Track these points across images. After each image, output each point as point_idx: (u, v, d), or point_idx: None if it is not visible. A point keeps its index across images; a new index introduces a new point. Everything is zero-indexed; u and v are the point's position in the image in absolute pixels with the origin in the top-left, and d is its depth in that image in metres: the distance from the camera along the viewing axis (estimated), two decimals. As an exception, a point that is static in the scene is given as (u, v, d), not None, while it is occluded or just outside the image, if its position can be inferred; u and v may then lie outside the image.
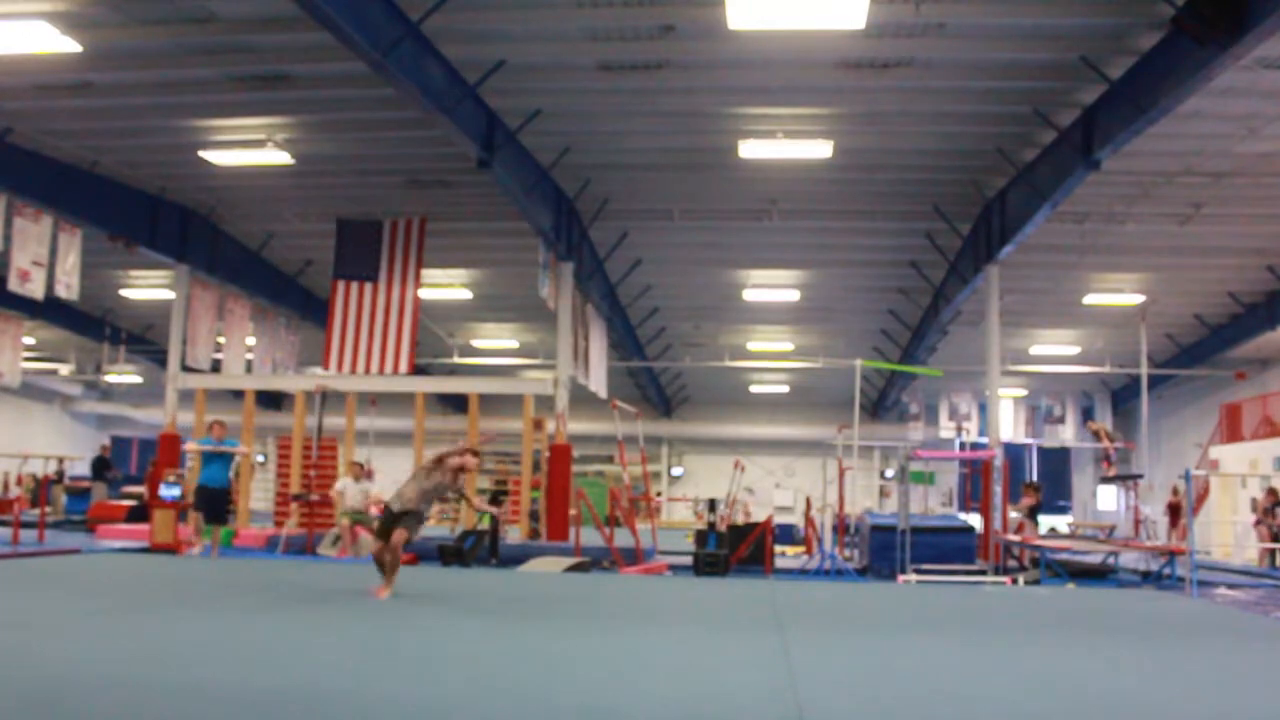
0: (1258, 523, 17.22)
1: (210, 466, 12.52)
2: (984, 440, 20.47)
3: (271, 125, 14.38)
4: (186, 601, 8.27)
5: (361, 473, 14.71)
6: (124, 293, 23.11)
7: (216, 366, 19.80)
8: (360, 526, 13.82)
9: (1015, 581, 13.08)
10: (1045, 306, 21.66)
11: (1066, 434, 27.89)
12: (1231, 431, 22.40)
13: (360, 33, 9.74)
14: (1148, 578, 14.12)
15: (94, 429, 35.34)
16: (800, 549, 19.16)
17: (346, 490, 14.24)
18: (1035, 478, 26.10)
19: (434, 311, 22.87)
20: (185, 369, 18.44)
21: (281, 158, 14.96)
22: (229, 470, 12.91)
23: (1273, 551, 16.68)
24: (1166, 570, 13.81)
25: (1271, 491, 16.97)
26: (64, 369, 29.98)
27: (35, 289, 14.95)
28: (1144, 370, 17.31)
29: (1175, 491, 20.58)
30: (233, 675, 5.05)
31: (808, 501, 17.67)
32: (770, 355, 26.86)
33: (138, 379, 31.15)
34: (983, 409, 23.29)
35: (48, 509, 17.72)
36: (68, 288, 15.49)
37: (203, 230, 18.26)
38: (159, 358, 24.67)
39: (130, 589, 9.05)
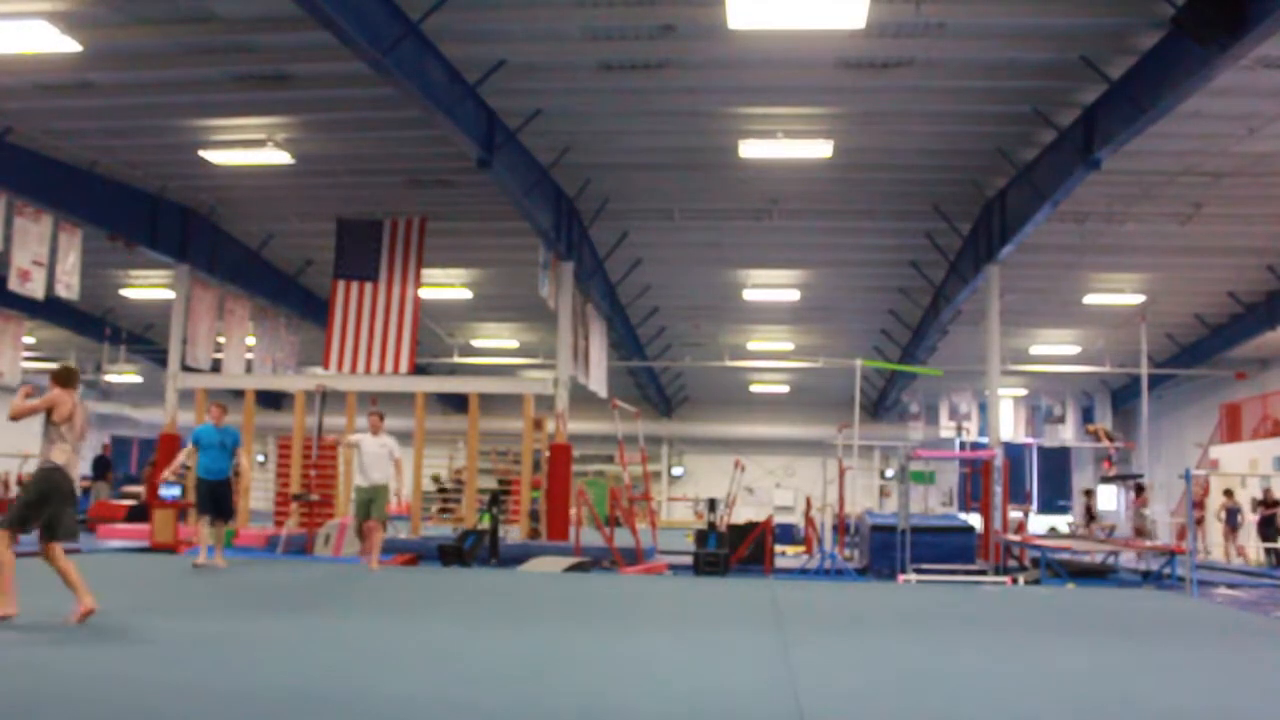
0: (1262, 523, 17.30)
1: (207, 454, 11.04)
2: (984, 440, 20.47)
3: (271, 125, 14.38)
4: (186, 601, 8.27)
5: (381, 425, 11.85)
6: (124, 292, 23.11)
7: (216, 366, 19.79)
8: (372, 522, 11.61)
9: (1015, 581, 13.09)
10: (1045, 306, 21.65)
11: (1066, 434, 27.87)
12: (1231, 431, 22.43)
13: (360, 33, 9.74)
14: (1148, 578, 14.14)
15: (94, 429, 35.36)
16: (800, 549, 19.17)
17: (364, 446, 11.65)
18: (1036, 478, 26.10)
19: (434, 311, 22.87)
20: (185, 369, 18.43)
21: (281, 158, 14.96)
22: (229, 459, 11.17)
23: (1269, 551, 16.70)
24: (1166, 570, 13.82)
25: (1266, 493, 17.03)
26: (64, 369, 29.92)
27: (35, 289, 14.94)
28: (1144, 370, 17.32)
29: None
30: (230, 675, 5.05)
31: (808, 501, 17.67)
32: (770, 355, 26.86)
33: (138, 379, 31.15)
34: (983, 409, 23.28)
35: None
36: (68, 287, 15.49)
37: (203, 230, 18.26)
38: (159, 357, 24.68)
39: (130, 589, 9.05)
